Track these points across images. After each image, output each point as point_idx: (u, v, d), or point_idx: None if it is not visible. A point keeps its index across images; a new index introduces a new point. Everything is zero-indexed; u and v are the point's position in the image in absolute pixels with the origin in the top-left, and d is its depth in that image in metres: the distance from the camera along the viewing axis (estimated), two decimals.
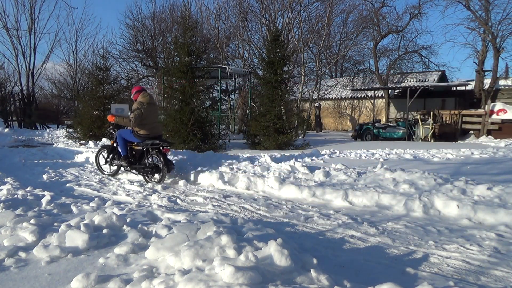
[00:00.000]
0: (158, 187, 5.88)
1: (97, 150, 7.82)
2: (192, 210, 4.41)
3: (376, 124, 16.94)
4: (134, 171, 6.73)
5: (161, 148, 6.42)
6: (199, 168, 6.62)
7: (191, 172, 6.58)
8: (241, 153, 9.17)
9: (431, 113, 15.90)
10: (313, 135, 19.01)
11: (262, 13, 22.42)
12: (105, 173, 7.20)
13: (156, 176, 6.43)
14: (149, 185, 6.07)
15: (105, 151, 7.21)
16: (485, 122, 15.31)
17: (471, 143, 13.11)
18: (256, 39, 23.81)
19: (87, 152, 9.20)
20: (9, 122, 17.57)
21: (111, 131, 7.47)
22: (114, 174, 7.08)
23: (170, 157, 7.09)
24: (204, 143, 10.48)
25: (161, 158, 6.31)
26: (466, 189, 4.74)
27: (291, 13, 19.38)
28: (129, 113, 6.86)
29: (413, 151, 9.61)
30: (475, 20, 18.57)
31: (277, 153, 8.98)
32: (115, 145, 6.96)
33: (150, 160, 6.47)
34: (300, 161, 7.30)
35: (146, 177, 6.56)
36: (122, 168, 7.04)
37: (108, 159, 7.07)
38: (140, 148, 6.59)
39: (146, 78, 25.41)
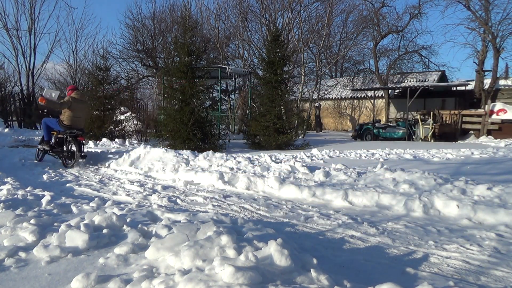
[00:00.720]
0: (158, 187, 5.88)
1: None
2: (192, 210, 4.40)
3: (376, 124, 16.94)
4: (54, 154, 8.01)
5: (77, 137, 7.60)
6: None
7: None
8: (240, 152, 9.17)
9: (431, 113, 15.90)
10: (313, 135, 19.01)
11: (262, 13, 22.43)
12: (35, 160, 8.32)
13: (71, 161, 7.62)
14: (149, 185, 6.07)
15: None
16: (485, 122, 15.31)
17: (471, 143, 13.10)
18: (256, 39, 23.85)
19: (87, 152, 9.24)
20: (9, 122, 17.51)
21: (40, 111, 8.90)
22: (40, 159, 8.30)
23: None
24: (204, 143, 10.48)
25: (76, 145, 7.53)
26: (466, 189, 4.74)
27: (291, 13, 19.39)
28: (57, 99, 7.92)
29: (413, 151, 9.60)
30: (475, 20, 18.59)
31: (277, 153, 8.98)
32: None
33: (69, 146, 7.72)
34: (300, 161, 7.30)
35: (64, 161, 7.81)
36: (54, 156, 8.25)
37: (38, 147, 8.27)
38: (62, 136, 7.80)
39: (146, 78, 25.37)
